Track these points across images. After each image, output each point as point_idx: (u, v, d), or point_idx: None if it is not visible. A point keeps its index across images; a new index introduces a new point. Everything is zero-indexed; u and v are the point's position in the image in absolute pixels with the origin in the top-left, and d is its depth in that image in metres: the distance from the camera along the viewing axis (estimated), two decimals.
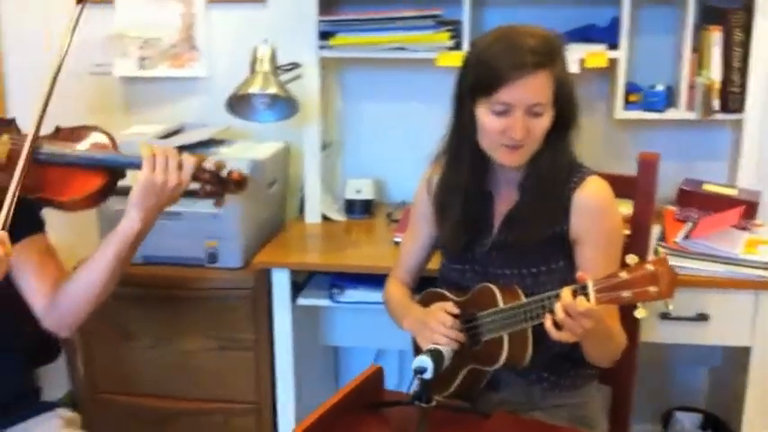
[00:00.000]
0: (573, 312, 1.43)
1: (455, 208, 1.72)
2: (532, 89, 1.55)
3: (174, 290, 2.28)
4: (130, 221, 1.65)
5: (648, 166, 1.85)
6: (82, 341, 2.34)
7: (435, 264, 1.89)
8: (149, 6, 2.67)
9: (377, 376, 1.56)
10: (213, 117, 2.58)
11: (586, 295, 1.43)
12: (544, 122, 1.59)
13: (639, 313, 1.42)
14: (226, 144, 2.50)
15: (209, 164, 1.74)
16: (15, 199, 1.53)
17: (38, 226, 1.74)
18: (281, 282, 2.23)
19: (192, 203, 2.23)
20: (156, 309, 2.30)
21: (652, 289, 1.39)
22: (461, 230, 1.73)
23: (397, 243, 2.25)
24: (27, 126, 1.67)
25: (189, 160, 1.68)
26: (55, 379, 2.35)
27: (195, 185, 1.74)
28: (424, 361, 1.44)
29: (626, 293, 1.40)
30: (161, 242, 2.26)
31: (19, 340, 1.74)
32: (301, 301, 2.29)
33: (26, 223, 1.67)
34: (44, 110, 1.65)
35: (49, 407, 1.77)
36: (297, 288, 2.32)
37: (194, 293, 2.27)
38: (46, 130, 1.72)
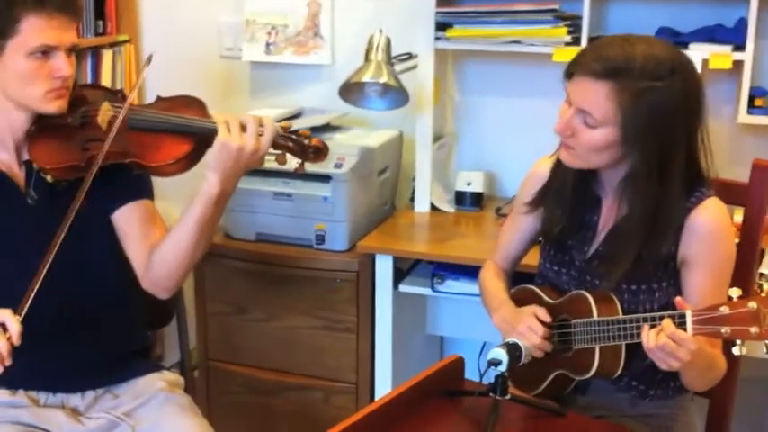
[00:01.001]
0: (668, 346, 1.40)
1: (560, 207, 1.69)
2: (583, 94, 1.52)
3: (283, 268, 2.38)
4: (209, 185, 1.65)
5: (762, 172, 1.77)
6: (197, 310, 2.48)
7: (533, 259, 1.88)
8: None
9: (457, 365, 1.58)
10: (333, 104, 2.65)
11: (683, 324, 1.39)
12: (594, 136, 1.52)
13: (738, 350, 1.37)
14: (341, 130, 2.57)
15: (288, 131, 1.75)
16: (109, 163, 1.64)
17: (142, 192, 1.81)
18: (384, 267, 2.29)
19: (302, 185, 2.34)
20: (266, 285, 2.41)
21: (753, 329, 1.33)
22: (563, 232, 1.70)
23: None
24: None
25: (268, 126, 1.68)
26: (170, 344, 2.50)
27: (276, 151, 1.75)
28: (500, 354, 1.45)
29: (724, 329, 1.35)
30: (273, 221, 2.37)
31: (131, 300, 1.84)
32: (403, 287, 2.33)
33: (130, 189, 1.77)
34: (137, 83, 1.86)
35: (156, 368, 1.88)
36: (402, 275, 2.37)
37: (301, 273, 2.36)
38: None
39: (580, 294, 1.63)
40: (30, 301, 1.51)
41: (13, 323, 1.47)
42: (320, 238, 2.36)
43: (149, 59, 1.75)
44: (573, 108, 1.54)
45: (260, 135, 1.66)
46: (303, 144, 1.73)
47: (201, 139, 1.70)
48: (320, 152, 1.75)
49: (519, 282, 1.85)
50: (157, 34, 2.97)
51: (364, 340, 2.37)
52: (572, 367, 1.64)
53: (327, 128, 2.53)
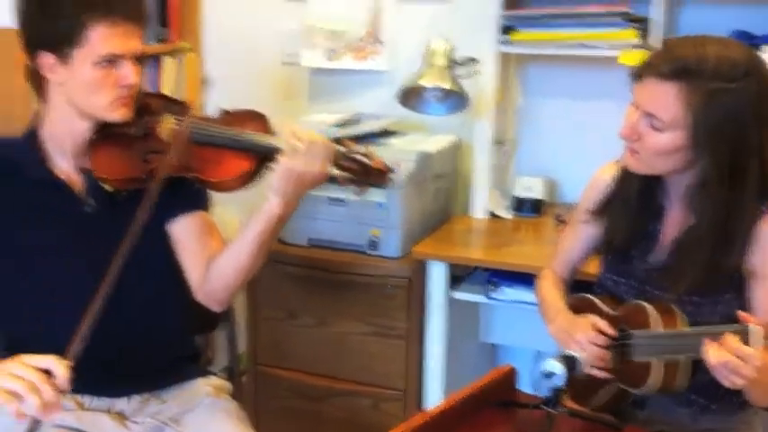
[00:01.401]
0: (732, 362, 1.32)
1: (623, 216, 1.63)
2: (651, 96, 1.45)
3: (335, 274, 2.35)
4: (270, 205, 1.62)
5: None
6: (248, 314, 2.47)
7: (594, 267, 1.81)
8: (339, 0, 2.76)
9: (509, 376, 1.52)
10: (392, 109, 2.62)
11: (747, 339, 1.31)
12: (661, 140, 1.46)
13: None
14: (398, 135, 2.53)
15: (352, 153, 1.69)
16: (170, 176, 1.60)
17: (200, 203, 1.78)
18: (437, 274, 2.23)
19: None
20: (317, 290, 2.38)
21: None
22: (625, 241, 1.64)
23: None
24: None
25: (331, 148, 1.64)
26: (221, 347, 2.48)
27: (339, 173, 1.70)
28: (555, 366, 1.38)
29: None
30: (325, 226, 2.35)
31: (182, 306, 1.81)
32: (456, 294, 2.28)
33: (187, 200, 1.74)
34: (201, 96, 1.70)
35: (203, 373, 1.85)
36: (457, 281, 2.32)
37: (354, 279, 2.32)
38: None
39: (639, 305, 1.56)
40: (80, 344, 1.42)
41: (60, 368, 1.37)
42: (374, 244, 2.32)
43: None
44: (639, 111, 1.48)
45: (323, 155, 1.62)
46: (366, 165, 1.69)
47: (264, 157, 1.67)
48: (383, 174, 1.71)
49: (578, 290, 1.78)
50: (219, 42, 2.98)
51: (414, 347, 2.31)
52: (629, 380, 1.56)
53: (384, 133, 2.50)
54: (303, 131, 1.63)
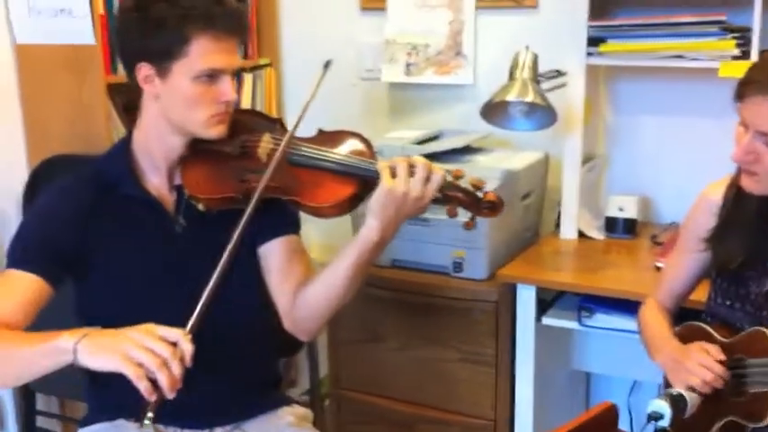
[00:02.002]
0: None
1: (739, 238, 1.54)
2: (760, 114, 1.37)
3: (419, 296, 2.27)
4: (369, 230, 1.55)
5: None
6: (329, 337, 2.41)
7: (700, 295, 1.70)
8: (419, 14, 2.69)
9: (610, 414, 1.41)
10: (475, 124, 2.53)
11: None
12: None
13: None
14: (483, 152, 2.45)
15: (460, 181, 1.59)
16: (266, 197, 1.54)
17: (291, 227, 1.73)
18: (526, 298, 2.13)
19: (440, 209, 2.22)
20: (401, 313, 2.30)
21: None
22: (740, 264, 1.54)
23: (659, 268, 2.06)
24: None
25: (437, 174, 1.55)
26: (303, 369, 2.44)
27: (445, 203, 1.61)
28: (662, 407, 1.29)
29: None
30: (409, 247, 2.27)
31: (268, 332, 1.76)
32: (547, 320, 2.17)
33: (280, 222, 1.69)
34: (302, 114, 1.60)
35: (285, 402, 1.80)
36: (544, 306, 2.21)
37: (438, 302, 2.24)
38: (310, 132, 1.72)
39: (758, 331, 1.46)
40: (197, 321, 1.40)
41: (186, 342, 1.36)
42: (458, 266, 2.24)
43: (328, 64, 1.66)
44: (751, 131, 1.39)
45: (426, 182, 1.54)
46: (476, 197, 1.59)
47: (364, 182, 1.59)
48: (495, 207, 1.60)
49: (683, 320, 1.67)
50: (298, 57, 2.96)
51: (504, 375, 2.21)
52: (745, 413, 1.45)
53: (468, 150, 2.42)
54: (404, 157, 1.56)
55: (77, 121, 2.34)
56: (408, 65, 2.74)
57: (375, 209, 1.54)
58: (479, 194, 1.59)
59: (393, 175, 1.53)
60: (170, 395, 1.32)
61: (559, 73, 2.32)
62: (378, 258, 1.66)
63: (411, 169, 1.53)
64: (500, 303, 2.17)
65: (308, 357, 2.24)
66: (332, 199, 1.59)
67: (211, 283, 1.43)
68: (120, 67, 2.34)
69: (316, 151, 1.62)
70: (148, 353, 1.32)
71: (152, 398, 1.31)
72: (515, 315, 2.17)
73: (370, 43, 2.81)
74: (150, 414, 1.32)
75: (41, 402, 2.40)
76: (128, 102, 2.46)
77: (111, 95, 2.35)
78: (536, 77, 2.21)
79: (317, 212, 1.62)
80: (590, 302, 2.12)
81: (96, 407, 1.73)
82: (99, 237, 1.62)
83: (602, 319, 2.12)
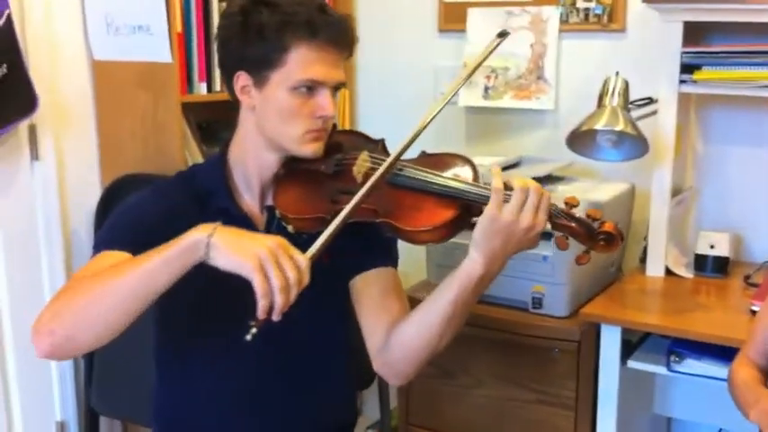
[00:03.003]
0: None
1: None
2: None
3: (494, 332, 2.16)
4: (471, 263, 1.42)
5: None
6: None
7: None
8: None
9: None
10: (556, 152, 2.44)
11: None
12: None
13: None
14: (565, 181, 2.34)
15: (574, 210, 1.46)
16: (358, 220, 1.44)
17: (390, 259, 1.62)
18: (611, 339, 2.01)
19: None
20: (475, 349, 2.20)
21: None
22: None
23: (753, 312, 1.92)
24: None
25: (546, 201, 1.41)
26: (371, 399, 2.35)
27: (557, 233, 1.48)
28: None
29: None
30: None
31: (348, 369, 1.68)
32: (632, 363, 2.04)
33: (378, 253, 1.60)
34: (417, 134, 1.50)
35: None
36: (628, 347, 2.08)
37: (515, 338, 2.13)
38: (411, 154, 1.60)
39: None
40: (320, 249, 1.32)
41: (307, 271, 1.28)
42: (537, 302, 2.13)
43: (504, 34, 1.56)
44: None
45: (537, 209, 1.40)
46: (592, 228, 1.45)
47: (467, 207, 1.47)
48: (613, 240, 1.46)
49: None
50: (374, 78, 2.90)
51: (584, 419, 2.09)
52: None
53: (550, 178, 2.31)
54: (515, 178, 1.42)
55: (151, 139, 2.31)
56: (487, 88, 2.65)
57: (479, 239, 1.41)
58: (595, 225, 1.45)
59: (502, 201, 1.39)
60: (277, 318, 1.25)
61: (651, 100, 2.20)
62: (479, 296, 1.50)
63: (520, 191, 1.39)
64: (582, 343, 2.05)
65: (378, 389, 2.16)
66: (430, 223, 1.46)
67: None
68: (196, 86, 2.34)
69: (421, 172, 1.50)
70: (280, 270, 1.24)
71: (263, 316, 1.25)
72: (598, 356, 2.05)
73: (447, 66, 2.73)
74: (254, 331, 1.26)
75: (105, 427, 2.37)
76: (201, 121, 2.44)
77: (186, 114, 2.32)
78: (627, 105, 2.09)
79: (414, 238, 1.49)
80: (680, 347, 1.99)
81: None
82: None
83: (692, 365, 1.98)
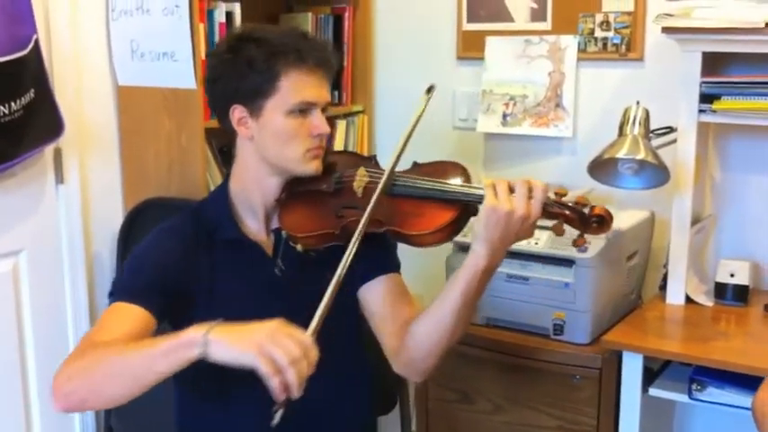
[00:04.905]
0: None
1: None
2: None
3: (514, 357, 2.17)
4: (475, 256, 1.50)
5: None
6: (416, 394, 2.32)
7: None
8: (518, 64, 2.63)
9: None
10: (574, 179, 2.45)
11: None
12: None
13: None
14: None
15: (565, 197, 1.56)
16: (365, 232, 1.51)
17: (392, 266, 1.70)
18: (632, 367, 2.01)
19: (541, 269, 2.14)
20: (494, 374, 2.20)
21: None
22: None
23: None
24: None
25: (538, 189, 1.51)
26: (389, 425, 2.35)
27: (551, 221, 1.56)
28: None
29: None
30: (505, 306, 2.19)
31: (367, 387, 1.71)
32: (654, 391, 2.04)
33: (381, 261, 1.66)
34: (404, 144, 1.63)
35: None
36: (649, 374, 2.09)
37: (535, 365, 2.14)
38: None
39: None
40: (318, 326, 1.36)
41: (313, 346, 1.31)
42: (558, 328, 2.14)
43: (431, 89, 1.68)
44: None
45: (530, 199, 1.49)
46: (582, 213, 1.54)
47: (465, 207, 1.56)
48: (604, 222, 1.55)
49: None
50: (391, 104, 2.93)
51: None
52: None
53: None
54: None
55: (174, 164, 2.33)
56: (505, 115, 2.67)
57: (480, 232, 1.49)
58: (586, 210, 1.55)
59: (495, 194, 1.49)
60: (297, 394, 1.28)
61: (672, 129, 2.22)
62: (487, 287, 1.58)
63: (512, 187, 1.49)
64: (604, 371, 2.05)
65: (399, 415, 2.16)
66: (432, 225, 1.55)
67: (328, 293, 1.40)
68: None
69: (416, 180, 1.60)
70: (282, 349, 1.26)
71: (282, 396, 1.27)
72: (619, 383, 2.05)
73: (465, 92, 2.76)
74: (279, 412, 1.29)
75: None
76: (222, 146, 2.46)
77: (208, 139, 2.35)
78: (647, 134, 2.11)
79: (419, 241, 1.58)
80: (702, 375, 1.99)
81: None
82: (200, 279, 1.61)
83: (714, 394, 1.98)
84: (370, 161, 1.72)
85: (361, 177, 1.63)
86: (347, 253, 1.46)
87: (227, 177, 1.71)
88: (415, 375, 1.65)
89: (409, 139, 1.64)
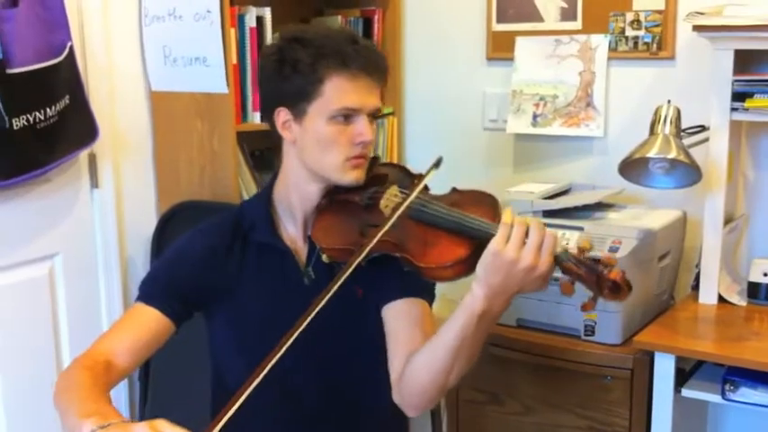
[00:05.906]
0: None
1: None
2: None
3: (545, 359, 2.16)
4: (472, 298, 1.38)
5: None
6: (447, 398, 2.32)
7: None
8: (548, 64, 2.62)
9: None
10: (605, 179, 2.45)
11: None
12: None
13: None
14: (615, 209, 2.34)
15: (580, 252, 1.40)
16: (377, 252, 1.46)
17: (422, 292, 1.60)
18: (665, 368, 2.00)
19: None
20: (525, 376, 2.20)
21: None
22: None
23: None
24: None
25: (550, 241, 1.36)
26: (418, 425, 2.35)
27: (563, 276, 1.42)
28: None
29: None
30: (536, 307, 2.18)
31: (380, 408, 1.64)
32: (687, 392, 2.03)
33: (410, 283, 1.57)
34: (421, 180, 1.52)
35: None
36: (681, 375, 2.07)
37: (566, 366, 2.13)
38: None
39: None
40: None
41: None
42: (590, 329, 2.13)
43: (439, 163, 1.53)
44: None
45: (539, 249, 1.35)
46: (598, 272, 1.38)
47: (480, 245, 1.41)
48: (619, 290, 1.39)
49: None
50: (421, 106, 2.93)
51: None
52: None
53: (599, 206, 2.31)
54: (522, 217, 1.39)
55: (207, 168, 2.36)
56: (535, 116, 2.66)
57: (480, 274, 1.37)
58: (605, 272, 1.38)
59: (506, 238, 1.35)
60: None
61: (704, 128, 2.20)
62: (486, 333, 1.45)
63: (524, 228, 1.35)
64: (636, 371, 2.04)
65: (430, 418, 2.17)
66: (445, 260, 1.44)
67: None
68: (250, 115, 2.39)
69: (439, 208, 1.50)
70: None
71: None
72: (651, 384, 2.04)
73: (495, 93, 2.76)
74: None
75: None
76: (254, 149, 2.49)
77: (240, 143, 2.37)
78: (679, 133, 2.10)
79: (430, 274, 1.47)
80: (735, 375, 1.97)
81: None
82: (229, 280, 1.62)
83: (747, 394, 1.96)
84: (413, 179, 1.62)
85: (390, 196, 1.56)
86: (344, 270, 1.38)
87: (272, 178, 1.68)
88: (409, 409, 1.54)
89: (411, 199, 1.50)
